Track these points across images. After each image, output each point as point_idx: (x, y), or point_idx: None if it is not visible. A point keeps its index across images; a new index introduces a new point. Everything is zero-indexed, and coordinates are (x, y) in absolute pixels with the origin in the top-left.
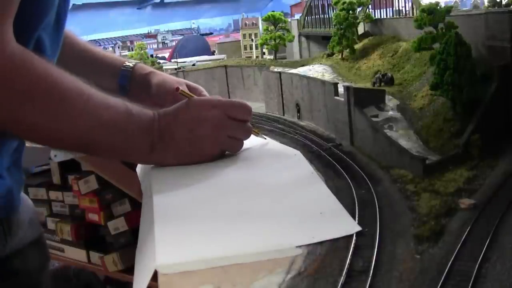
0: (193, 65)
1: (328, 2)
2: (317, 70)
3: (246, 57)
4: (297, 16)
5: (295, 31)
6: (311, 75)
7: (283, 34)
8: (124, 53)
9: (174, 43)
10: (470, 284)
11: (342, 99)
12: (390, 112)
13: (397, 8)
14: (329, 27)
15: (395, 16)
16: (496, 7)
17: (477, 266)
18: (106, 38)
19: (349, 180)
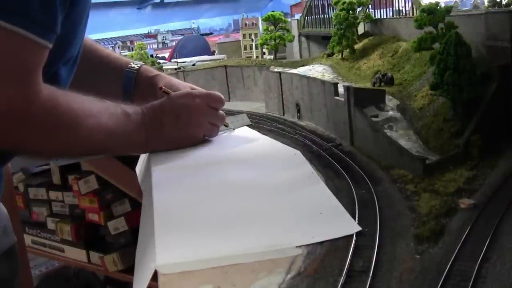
0: (193, 65)
1: (328, 2)
2: (317, 70)
3: (246, 57)
4: (297, 16)
5: (295, 31)
6: (311, 75)
7: (283, 34)
8: (124, 53)
9: (174, 43)
10: (470, 284)
11: (342, 99)
12: (390, 112)
13: (397, 8)
14: (329, 27)
15: (395, 16)
16: (496, 7)
17: (477, 266)
18: (106, 38)
19: (349, 180)
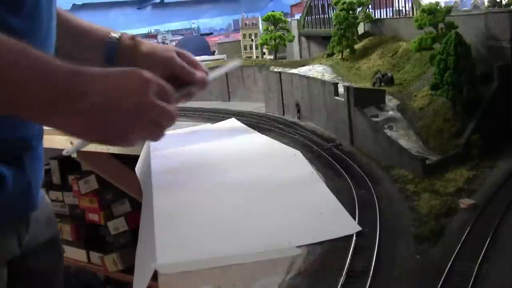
0: None
1: (328, 2)
2: (317, 70)
3: (246, 57)
4: (297, 16)
5: (295, 31)
6: (311, 75)
7: (283, 34)
8: None
9: (174, 43)
10: (470, 284)
11: (342, 99)
12: (390, 112)
13: (397, 8)
14: (329, 27)
15: (395, 16)
16: (496, 7)
17: (477, 266)
18: None
19: (349, 180)
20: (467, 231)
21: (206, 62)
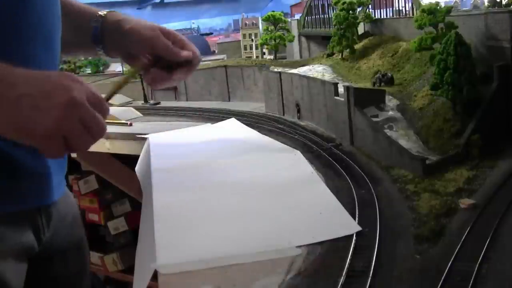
0: None
1: (328, 2)
2: (317, 70)
3: (246, 57)
4: (297, 16)
5: (295, 31)
6: (311, 75)
7: (283, 34)
8: None
9: None
10: (470, 284)
11: (342, 99)
12: (390, 112)
13: (397, 8)
14: (329, 27)
15: (395, 16)
16: (496, 7)
17: (477, 266)
18: None
19: (349, 180)
20: (467, 231)
21: (206, 62)
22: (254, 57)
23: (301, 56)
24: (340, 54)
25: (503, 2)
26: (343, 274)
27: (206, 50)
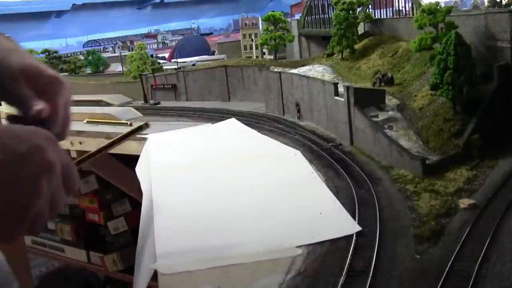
0: (193, 65)
1: (328, 2)
2: (317, 70)
3: (246, 57)
4: (297, 16)
5: (295, 31)
6: (311, 75)
7: (283, 34)
8: (124, 53)
9: (174, 43)
10: (470, 284)
11: (342, 99)
12: (390, 112)
13: (397, 8)
14: (329, 27)
15: (395, 16)
16: (496, 7)
17: (477, 266)
18: (106, 38)
19: (349, 180)
20: (467, 231)
21: (206, 62)
22: (254, 57)
23: (301, 56)
24: (340, 54)
25: (503, 2)
26: (343, 274)
27: (206, 50)
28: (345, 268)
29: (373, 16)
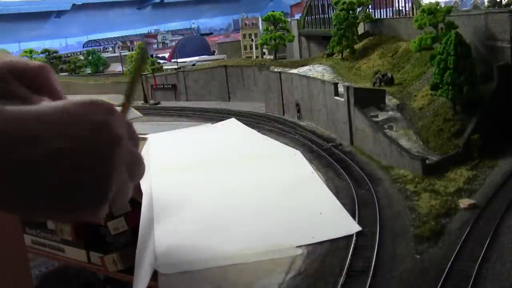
0: (193, 65)
1: (328, 2)
2: (317, 70)
3: (246, 57)
4: (297, 16)
5: (295, 31)
6: (311, 75)
7: (283, 34)
8: (124, 53)
9: (174, 43)
10: (470, 284)
11: (342, 99)
12: (390, 112)
13: (397, 8)
14: (329, 27)
15: (395, 16)
16: (496, 7)
17: (477, 266)
18: (106, 38)
19: (349, 180)
20: (467, 231)
21: (206, 62)
22: (254, 57)
23: (301, 56)
24: (340, 54)
25: (503, 2)
26: (343, 274)
27: (206, 50)
28: (345, 268)
29: (373, 16)
